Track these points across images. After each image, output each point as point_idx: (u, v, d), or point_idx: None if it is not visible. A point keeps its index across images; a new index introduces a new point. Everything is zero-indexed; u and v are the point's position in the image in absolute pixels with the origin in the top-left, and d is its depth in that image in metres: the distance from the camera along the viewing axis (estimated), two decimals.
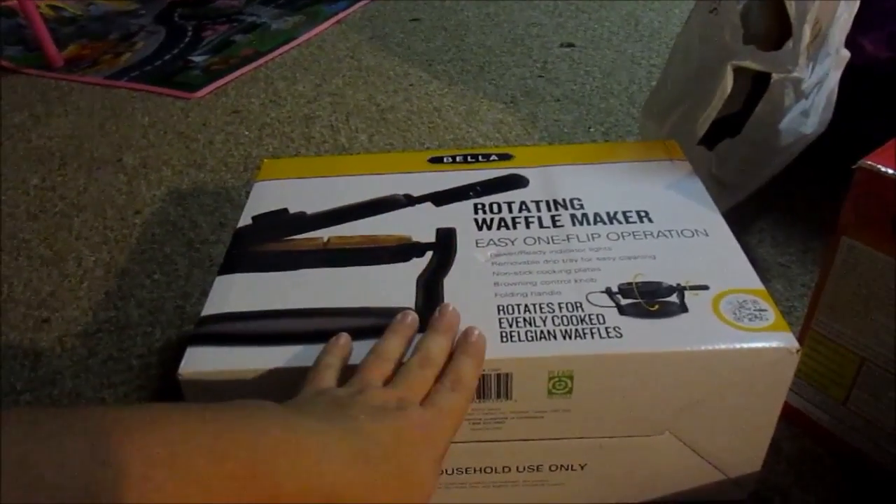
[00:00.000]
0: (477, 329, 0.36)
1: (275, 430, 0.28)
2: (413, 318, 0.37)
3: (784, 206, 0.65)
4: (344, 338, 0.36)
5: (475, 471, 0.39)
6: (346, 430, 0.30)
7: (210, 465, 0.25)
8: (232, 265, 0.43)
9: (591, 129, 0.82)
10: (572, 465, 0.39)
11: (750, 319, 0.36)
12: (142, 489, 0.23)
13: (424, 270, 0.41)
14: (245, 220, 0.47)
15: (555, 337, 0.35)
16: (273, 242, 0.44)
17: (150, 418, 0.25)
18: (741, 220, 0.63)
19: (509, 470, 0.39)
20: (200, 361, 0.36)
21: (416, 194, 0.48)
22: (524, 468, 0.39)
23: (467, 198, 0.47)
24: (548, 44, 1.05)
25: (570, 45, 1.05)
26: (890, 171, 0.35)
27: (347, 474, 0.29)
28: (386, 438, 0.31)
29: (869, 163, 0.36)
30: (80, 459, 0.22)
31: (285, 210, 0.47)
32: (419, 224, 0.45)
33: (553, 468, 0.39)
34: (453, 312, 0.37)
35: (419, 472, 0.31)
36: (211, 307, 0.40)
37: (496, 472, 0.39)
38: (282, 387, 0.35)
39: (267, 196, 0.49)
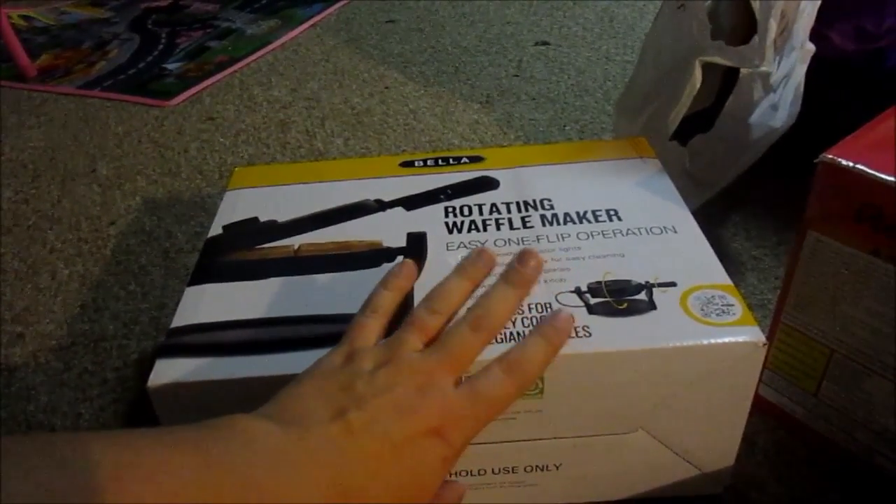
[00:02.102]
0: (568, 314, 0.31)
1: (259, 455, 0.27)
2: (489, 257, 0.33)
3: (757, 200, 0.66)
4: (407, 266, 0.33)
5: (450, 475, 0.39)
6: (326, 451, 0.27)
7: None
8: (202, 275, 0.43)
9: (567, 128, 0.82)
10: (547, 466, 0.39)
11: (717, 315, 0.36)
12: None
13: None
14: (216, 229, 0.47)
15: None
16: (243, 251, 0.44)
17: (126, 444, 0.25)
18: (715, 214, 0.63)
19: (484, 472, 0.39)
20: (170, 373, 0.36)
21: (386, 199, 0.48)
22: (499, 470, 0.39)
23: (438, 201, 0.47)
24: (522, 42, 1.06)
25: (545, 43, 1.05)
26: (852, 164, 0.36)
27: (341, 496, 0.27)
28: (379, 450, 0.28)
29: (831, 156, 0.36)
30: (53, 485, 0.22)
31: (256, 219, 0.47)
32: (390, 229, 0.45)
33: (528, 469, 0.39)
34: (536, 262, 0.32)
35: (417, 484, 0.29)
36: (181, 318, 0.39)
37: (471, 475, 0.39)
38: (253, 396, 0.35)
39: (238, 205, 0.49)
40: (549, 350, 0.31)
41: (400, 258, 0.42)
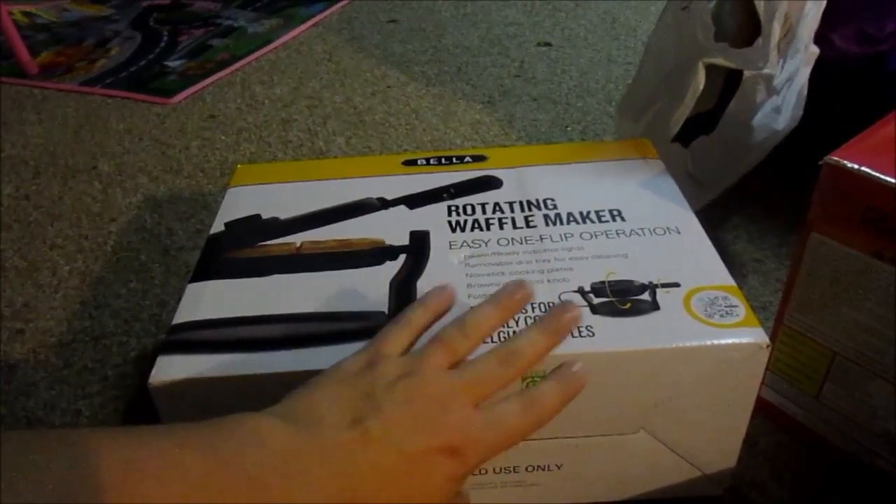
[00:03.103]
0: (581, 365, 0.32)
1: (264, 457, 0.26)
2: (526, 293, 0.33)
3: (759, 203, 0.66)
4: (448, 292, 0.33)
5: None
6: (338, 458, 0.27)
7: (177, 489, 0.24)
8: (204, 272, 0.42)
9: (569, 129, 0.82)
10: (548, 466, 0.39)
11: (721, 316, 0.36)
12: None
13: (398, 274, 0.41)
14: (217, 226, 0.47)
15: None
16: (245, 248, 0.44)
17: (135, 442, 0.25)
18: (716, 216, 0.63)
19: (486, 472, 0.39)
20: (171, 370, 0.36)
21: (389, 197, 0.48)
22: (500, 469, 0.39)
23: (441, 200, 0.47)
24: (525, 43, 1.06)
25: (547, 44, 1.05)
26: (856, 167, 0.36)
27: None
28: (391, 462, 0.28)
29: (835, 158, 0.36)
30: (63, 483, 0.22)
31: (258, 216, 0.47)
32: (393, 227, 0.45)
33: (529, 469, 0.39)
34: (574, 315, 0.32)
35: (425, 499, 0.29)
36: (182, 315, 0.39)
37: (473, 474, 0.39)
38: (254, 393, 0.35)
39: (240, 202, 0.49)
40: (564, 398, 0.32)
41: (403, 257, 0.42)
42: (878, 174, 0.35)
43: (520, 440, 0.30)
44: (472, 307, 0.33)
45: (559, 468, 0.39)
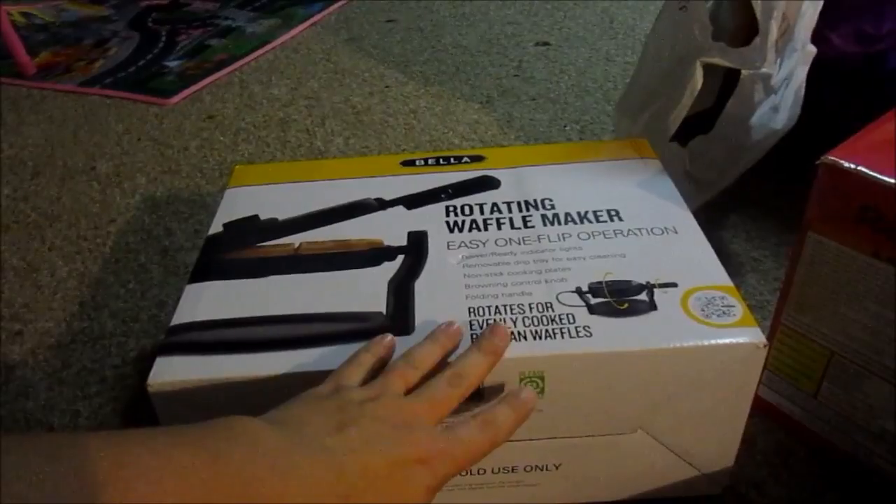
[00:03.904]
0: (530, 392, 0.34)
1: (254, 457, 0.27)
2: (457, 329, 0.36)
3: (757, 202, 0.66)
4: (388, 339, 0.35)
5: None
6: (327, 457, 0.28)
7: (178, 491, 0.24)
8: (202, 273, 0.42)
9: (567, 128, 0.82)
10: (547, 466, 0.39)
11: (718, 316, 0.36)
12: None
13: (396, 274, 0.41)
14: (216, 227, 0.47)
15: (525, 338, 0.36)
16: (244, 249, 0.44)
17: (128, 444, 0.25)
18: (714, 215, 0.63)
19: (484, 472, 0.39)
20: (170, 371, 0.36)
21: (387, 198, 0.48)
22: (499, 469, 0.39)
23: (439, 200, 0.47)
24: (523, 43, 1.06)
25: (546, 43, 1.05)
26: (853, 166, 0.36)
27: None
28: (377, 465, 0.29)
29: (832, 158, 0.36)
30: (60, 485, 0.22)
31: (256, 217, 0.47)
32: (391, 228, 0.45)
33: (528, 469, 0.39)
34: (504, 335, 0.35)
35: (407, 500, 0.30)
36: (181, 316, 0.39)
37: (471, 474, 0.39)
38: (253, 395, 0.35)
39: (238, 203, 0.49)
40: (516, 418, 0.33)
41: (401, 258, 0.42)
42: (875, 174, 0.35)
43: (480, 457, 0.32)
44: (415, 345, 0.35)
45: (557, 468, 0.39)
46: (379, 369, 0.34)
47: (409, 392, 0.33)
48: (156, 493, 0.23)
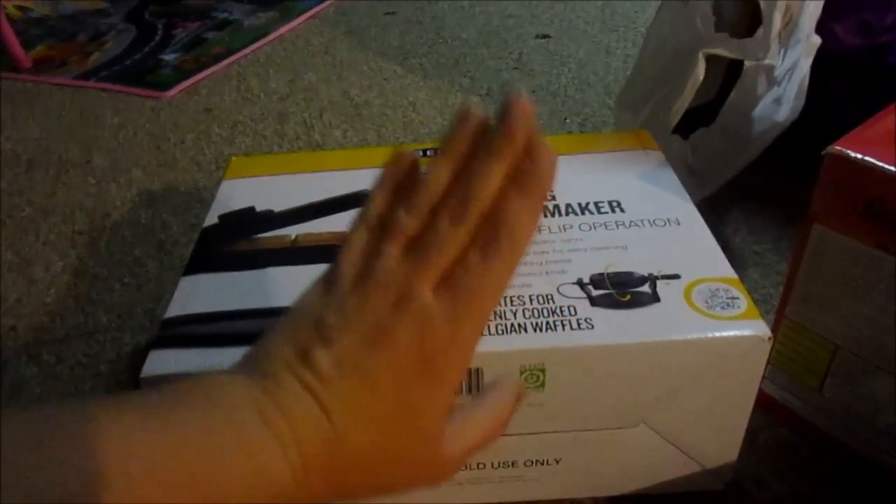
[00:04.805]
0: (545, 149, 0.25)
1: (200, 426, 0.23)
2: (476, 119, 0.26)
3: (759, 195, 0.65)
4: (407, 156, 0.27)
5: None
6: (299, 397, 0.24)
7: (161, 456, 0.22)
8: (197, 265, 0.42)
9: (567, 121, 0.81)
10: (547, 460, 0.38)
11: (722, 308, 0.35)
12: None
13: None
14: (211, 219, 0.46)
15: (526, 330, 0.35)
16: (240, 241, 0.43)
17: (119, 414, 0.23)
18: (716, 209, 0.63)
19: (484, 466, 0.38)
20: (163, 364, 0.35)
21: None
22: (499, 464, 0.38)
23: None
24: (523, 35, 1.05)
25: (546, 36, 1.04)
26: (859, 157, 0.35)
27: (308, 464, 0.23)
28: (358, 391, 0.24)
29: (838, 148, 0.36)
30: (67, 466, 0.21)
31: (252, 208, 0.46)
32: None
33: (528, 463, 0.38)
34: (525, 113, 0.25)
35: (413, 429, 0.25)
36: (175, 309, 0.39)
37: (471, 468, 0.38)
38: None
39: (234, 194, 0.48)
40: (532, 205, 0.25)
41: None
42: (881, 164, 0.34)
43: (499, 297, 0.25)
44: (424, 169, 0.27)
45: (558, 462, 0.38)
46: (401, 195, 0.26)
47: (414, 244, 0.25)
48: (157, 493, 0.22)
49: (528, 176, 0.25)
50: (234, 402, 0.24)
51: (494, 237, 0.25)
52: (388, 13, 1.17)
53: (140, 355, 0.54)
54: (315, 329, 0.25)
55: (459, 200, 0.25)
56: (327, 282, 0.26)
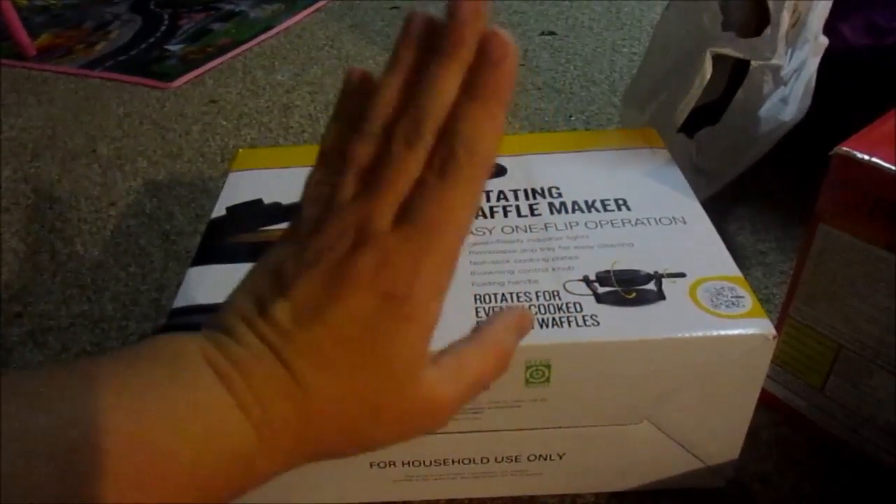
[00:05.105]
0: (500, 45, 0.22)
1: (156, 391, 0.21)
2: (421, 20, 0.24)
3: (763, 194, 0.65)
4: (356, 74, 0.25)
5: (453, 462, 0.39)
6: (259, 353, 0.22)
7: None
8: (205, 256, 0.42)
9: (573, 118, 0.81)
10: (550, 455, 0.38)
11: (727, 306, 0.35)
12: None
13: None
14: (219, 210, 0.46)
15: (532, 326, 0.35)
16: (247, 233, 0.44)
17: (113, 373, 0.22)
18: (720, 207, 0.63)
19: (487, 461, 0.39)
20: None
21: None
22: (502, 459, 0.39)
23: None
24: (528, 32, 1.05)
25: (551, 33, 1.04)
26: (866, 157, 0.35)
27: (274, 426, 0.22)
28: (321, 341, 0.22)
29: (846, 149, 0.36)
30: (63, 425, 0.20)
31: (260, 200, 0.46)
32: None
33: (531, 458, 0.39)
34: (474, 10, 0.22)
35: (389, 367, 0.23)
36: (182, 299, 0.39)
37: (474, 462, 0.39)
38: None
39: (242, 186, 0.48)
40: (493, 115, 0.23)
41: None
42: (888, 165, 0.34)
43: (468, 221, 0.23)
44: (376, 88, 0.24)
45: (561, 458, 0.39)
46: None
47: (374, 175, 0.23)
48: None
49: (485, 80, 0.22)
50: (188, 360, 0.22)
51: (452, 154, 0.22)
52: (393, 7, 1.17)
53: None
54: (273, 278, 0.23)
55: (411, 118, 0.23)
56: (291, 229, 0.25)
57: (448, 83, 0.23)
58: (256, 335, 0.23)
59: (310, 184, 0.26)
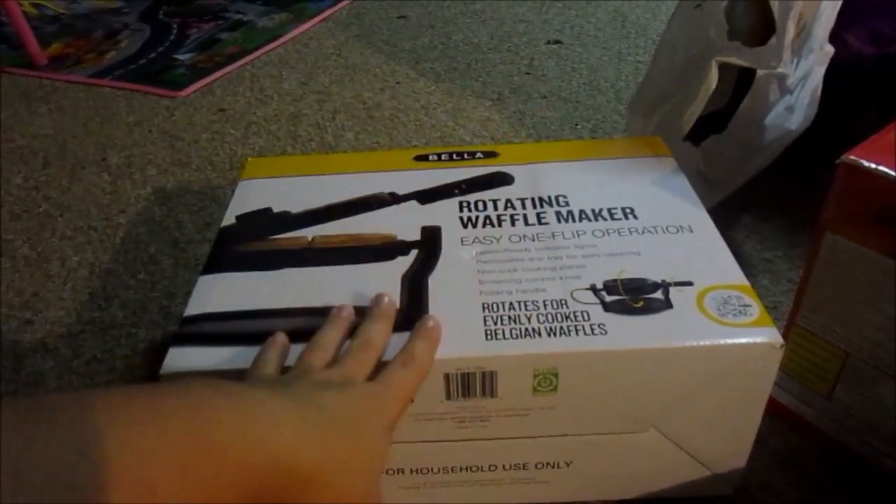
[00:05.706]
0: (433, 318, 0.36)
1: (218, 398, 0.28)
2: (349, 310, 0.38)
3: (769, 203, 0.65)
4: (281, 337, 0.36)
5: (461, 469, 0.39)
6: (293, 397, 0.31)
7: (152, 438, 0.25)
8: (215, 265, 0.42)
9: (578, 126, 0.82)
10: (558, 463, 0.39)
11: (734, 315, 0.36)
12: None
13: (409, 269, 0.41)
14: (229, 219, 0.47)
15: (540, 334, 0.35)
16: (257, 242, 0.44)
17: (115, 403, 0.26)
18: (727, 216, 0.63)
19: (495, 468, 0.39)
20: (183, 361, 0.36)
21: (401, 192, 0.48)
22: (510, 466, 0.39)
23: (452, 196, 0.47)
24: (535, 41, 1.05)
25: (557, 42, 1.05)
26: (873, 166, 0.35)
27: (297, 438, 0.29)
28: (333, 405, 0.31)
29: (852, 157, 0.36)
30: (63, 454, 0.22)
31: (269, 209, 0.47)
32: (404, 222, 0.44)
33: (539, 466, 0.39)
34: (389, 302, 0.38)
35: (370, 436, 0.32)
36: (194, 307, 0.39)
37: (482, 470, 0.39)
38: None
39: (251, 195, 0.49)
40: (429, 344, 0.35)
41: (414, 252, 0.42)
42: (894, 173, 0.35)
43: (412, 393, 0.35)
44: (363, 325, 0.37)
45: (569, 465, 0.39)
46: (281, 369, 0.35)
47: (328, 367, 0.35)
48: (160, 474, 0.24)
49: (424, 330, 0.36)
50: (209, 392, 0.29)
51: (410, 358, 0.35)
52: (399, 17, 1.18)
53: (155, 351, 0.54)
54: (291, 378, 0.34)
55: (364, 338, 0.36)
56: (302, 370, 0.35)
57: (383, 328, 0.37)
58: None
59: (263, 359, 0.36)
